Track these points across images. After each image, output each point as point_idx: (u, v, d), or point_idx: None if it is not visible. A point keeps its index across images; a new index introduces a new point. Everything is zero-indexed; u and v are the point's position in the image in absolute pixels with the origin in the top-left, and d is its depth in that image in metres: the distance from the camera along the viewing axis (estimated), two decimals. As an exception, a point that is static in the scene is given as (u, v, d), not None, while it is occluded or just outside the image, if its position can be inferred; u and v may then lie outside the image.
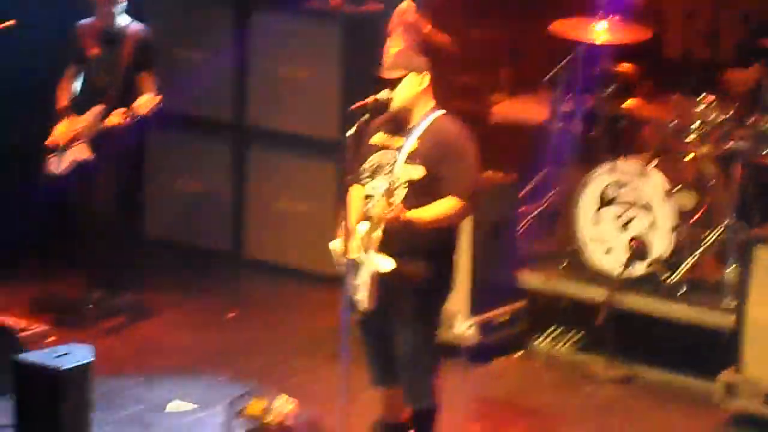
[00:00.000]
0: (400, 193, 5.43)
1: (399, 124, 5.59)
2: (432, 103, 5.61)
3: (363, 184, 5.57)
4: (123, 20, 7.65)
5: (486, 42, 9.37)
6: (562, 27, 7.76)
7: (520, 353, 7.41)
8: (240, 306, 7.92)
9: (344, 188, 5.62)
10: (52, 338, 6.88)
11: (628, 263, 7.22)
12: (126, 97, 7.49)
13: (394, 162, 5.51)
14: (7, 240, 7.96)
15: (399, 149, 5.52)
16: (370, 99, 5.54)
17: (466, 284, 7.16)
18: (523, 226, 7.93)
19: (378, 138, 5.61)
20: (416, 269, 5.50)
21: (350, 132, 5.49)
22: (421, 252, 5.50)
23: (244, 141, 8.56)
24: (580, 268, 7.48)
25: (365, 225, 5.49)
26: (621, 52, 7.98)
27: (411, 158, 5.46)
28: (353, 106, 5.59)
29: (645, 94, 7.97)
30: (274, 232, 8.48)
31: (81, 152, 7.59)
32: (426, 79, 5.58)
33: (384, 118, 5.60)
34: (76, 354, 5.77)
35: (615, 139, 7.87)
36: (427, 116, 5.57)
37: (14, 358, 5.85)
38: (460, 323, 7.20)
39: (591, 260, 7.44)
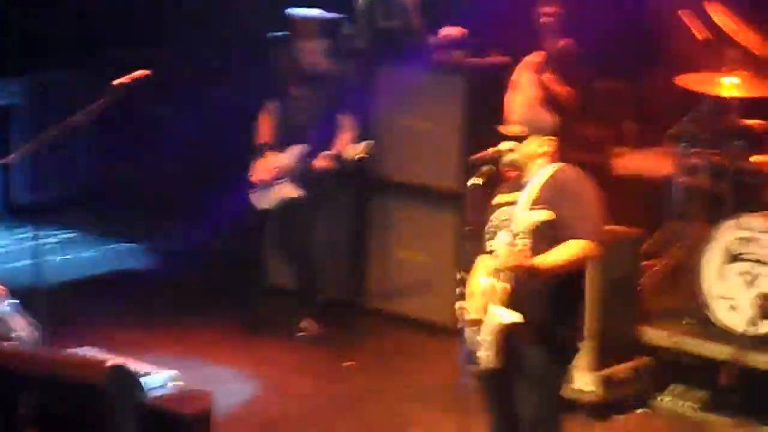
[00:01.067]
0: (524, 241, 5.37)
1: (517, 181, 5.56)
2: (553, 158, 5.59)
3: (487, 246, 5.53)
4: (324, 61, 7.85)
5: (610, 94, 9.31)
6: (689, 80, 7.67)
7: (642, 411, 7.28)
8: (359, 355, 7.94)
9: (462, 239, 5.62)
10: (178, 382, 6.97)
11: (754, 321, 7.07)
12: (325, 137, 7.68)
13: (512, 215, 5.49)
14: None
15: (516, 204, 5.50)
16: (491, 150, 5.54)
17: (589, 339, 7.08)
18: (646, 280, 7.83)
19: (498, 198, 5.59)
20: (542, 323, 5.44)
21: (472, 182, 5.49)
22: (547, 304, 5.43)
23: (366, 190, 8.61)
24: (705, 324, 7.34)
25: (487, 279, 5.45)
26: (749, 107, 7.86)
27: (533, 205, 5.43)
28: (474, 157, 5.60)
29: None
30: (393, 282, 8.49)
31: (289, 190, 7.77)
32: (552, 143, 5.55)
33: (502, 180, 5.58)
34: (198, 399, 5.82)
35: (741, 194, 7.74)
36: (546, 167, 5.54)
37: (137, 403, 5.93)
38: (582, 378, 7.11)
39: (716, 317, 7.30)
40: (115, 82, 6.62)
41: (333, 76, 8.02)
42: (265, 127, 8.10)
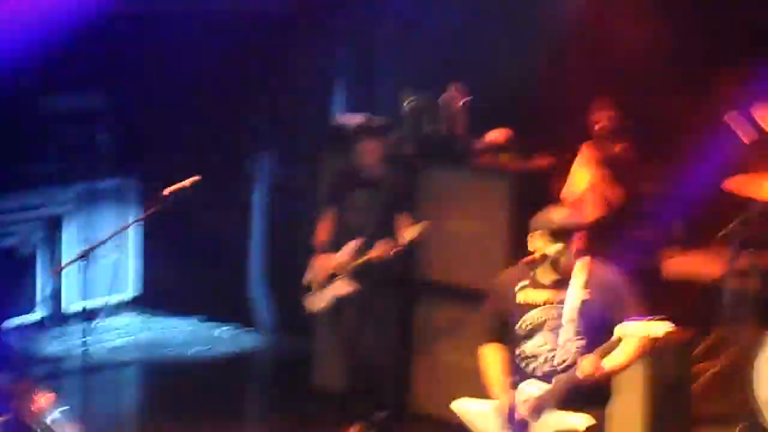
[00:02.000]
0: (580, 342, 5.35)
1: (537, 279, 5.53)
2: None
3: (518, 344, 5.50)
4: (381, 164, 8.04)
5: (660, 195, 9.28)
6: (737, 183, 7.63)
7: None
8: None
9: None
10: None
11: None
12: (381, 237, 7.87)
13: (559, 317, 5.45)
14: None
15: (558, 303, 5.46)
16: (539, 254, 5.53)
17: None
18: (698, 385, 7.72)
19: (525, 296, 5.55)
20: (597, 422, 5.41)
21: (514, 288, 5.49)
22: (593, 400, 5.44)
23: (413, 294, 8.59)
24: (757, 430, 7.21)
25: (529, 386, 5.42)
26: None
27: (587, 308, 5.38)
28: (524, 260, 5.60)
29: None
30: (442, 386, 8.42)
31: (341, 288, 7.86)
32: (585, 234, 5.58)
33: (520, 274, 5.55)
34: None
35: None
36: (581, 265, 5.51)
37: None
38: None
39: (769, 424, 7.17)
40: (166, 190, 6.70)
41: (390, 179, 8.08)
42: (323, 230, 8.17)
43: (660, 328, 5.28)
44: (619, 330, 5.28)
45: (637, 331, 5.25)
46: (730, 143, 8.14)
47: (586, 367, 5.30)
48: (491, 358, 5.64)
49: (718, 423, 7.49)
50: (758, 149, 7.91)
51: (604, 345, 5.34)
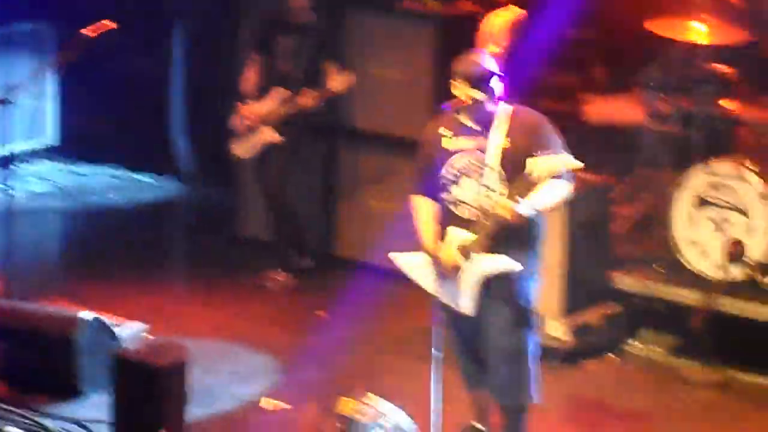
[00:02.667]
0: (502, 186, 5.41)
1: (463, 125, 5.57)
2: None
3: (447, 191, 5.56)
4: (308, 10, 8.00)
5: (579, 41, 9.29)
6: (658, 25, 7.66)
7: (613, 356, 7.34)
8: (331, 305, 7.95)
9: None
10: (148, 335, 6.98)
11: (724, 266, 7.12)
12: (308, 84, 7.85)
13: (483, 163, 5.50)
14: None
15: (480, 150, 5.51)
16: (467, 98, 5.53)
17: (559, 285, 7.13)
18: (616, 226, 7.87)
19: (451, 143, 5.59)
20: (519, 261, 5.52)
21: (439, 136, 5.52)
22: (523, 243, 5.55)
23: (337, 140, 8.59)
24: (675, 270, 7.40)
25: (460, 231, 5.50)
26: (718, 53, 7.87)
27: (507, 153, 5.45)
28: (449, 106, 5.60)
29: (742, 95, 7.86)
30: (365, 231, 8.50)
31: (269, 135, 7.81)
32: (502, 84, 5.62)
33: (445, 121, 5.59)
34: (172, 350, 5.84)
35: (711, 140, 7.77)
36: (503, 112, 5.55)
37: (112, 353, 5.94)
38: (553, 325, 7.15)
39: (687, 263, 7.35)
40: (82, 32, 6.57)
41: (316, 25, 8.00)
42: (249, 78, 8.11)
43: (568, 159, 5.34)
44: (529, 165, 5.32)
45: (546, 164, 5.29)
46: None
47: (502, 206, 5.36)
48: (422, 207, 5.70)
49: (637, 263, 7.65)
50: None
51: (516, 182, 5.37)
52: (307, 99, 7.86)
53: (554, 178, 5.43)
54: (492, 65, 5.59)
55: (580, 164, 5.34)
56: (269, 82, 8.06)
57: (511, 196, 5.37)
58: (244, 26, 8.57)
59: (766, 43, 8.57)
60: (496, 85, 5.56)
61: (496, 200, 5.40)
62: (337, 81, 7.82)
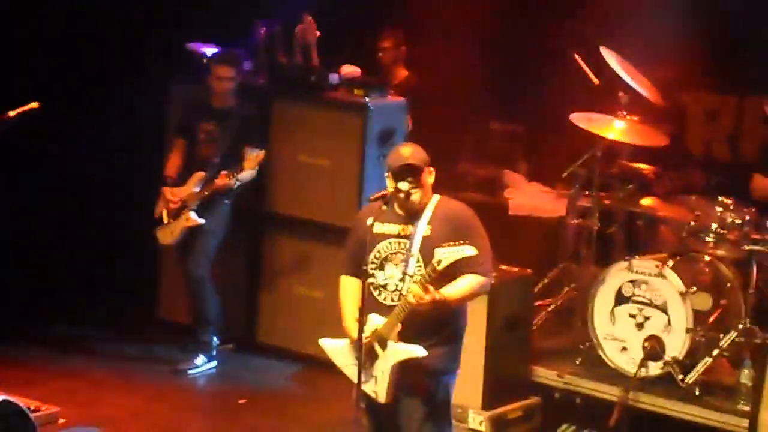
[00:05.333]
0: (425, 274, 5.45)
1: (394, 212, 5.62)
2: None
3: (371, 275, 5.59)
4: (232, 96, 8.06)
5: (505, 135, 9.43)
6: (582, 119, 7.77)
7: (532, 450, 7.35)
8: (252, 392, 7.89)
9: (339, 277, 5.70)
10: (62, 420, 6.86)
11: (643, 363, 7.19)
12: (227, 167, 7.90)
13: (407, 250, 5.54)
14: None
15: (406, 237, 5.56)
16: (391, 189, 5.59)
17: (479, 378, 7.14)
18: (538, 320, 7.92)
19: (380, 228, 5.64)
20: (439, 355, 5.53)
21: (363, 220, 5.58)
22: (441, 338, 5.56)
23: (261, 226, 8.58)
24: (595, 365, 7.45)
25: (378, 317, 5.52)
26: (638, 151, 8.03)
27: (428, 242, 5.49)
28: (373, 196, 5.67)
29: (663, 193, 8.00)
30: (288, 318, 8.47)
31: (190, 220, 7.95)
32: (432, 173, 5.68)
33: (376, 208, 5.65)
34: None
35: (632, 237, 7.89)
36: (429, 202, 5.62)
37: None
38: (473, 418, 7.15)
39: (606, 358, 7.41)
40: (7, 113, 6.52)
41: (238, 111, 8.05)
42: (172, 162, 8.11)
43: (469, 250, 5.40)
44: (436, 254, 5.38)
45: (446, 254, 5.36)
46: (577, 82, 8.31)
47: (412, 292, 5.39)
48: (346, 290, 5.72)
49: (558, 357, 7.70)
50: (603, 90, 8.09)
51: (425, 271, 5.43)
52: (223, 179, 7.87)
53: (472, 272, 5.48)
54: (421, 158, 5.65)
55: (474, 252, 5.39)
56: (190, 166, 8.07)
57: (421, 284, 5.40)
58: (171, 110, 8.58)
59: (686, 140, 8.80)
60: (426, 176, 5.62)
61: (407, 286, 5.43)
62: (250, 160, 7.85)
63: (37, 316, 8.73)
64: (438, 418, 5.63)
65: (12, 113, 6.60)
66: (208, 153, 8.04)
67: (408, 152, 5.66)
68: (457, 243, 5.40)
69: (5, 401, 6.32)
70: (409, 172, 5.58)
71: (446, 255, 5.36)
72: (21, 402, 6.57)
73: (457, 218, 5.62)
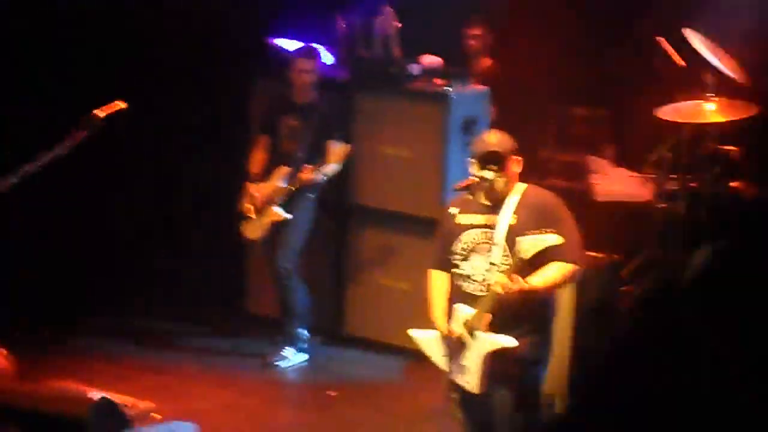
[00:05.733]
0: (509, 263, 5.44)
1: (478, 202, 5.61)
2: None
3: (457, 266, 5.59)
4: (314, 91, 8.08)
5: (589, 120, 9.35)
6: (668, 112, 7.68)
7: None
8: (341, 384, 7.93)
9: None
10: (158, 416, 6.94)
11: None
12: (310, 162, 7.95)
13: (491, 240, 5.52)
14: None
15: (491, 226, 5.54)
16: (476, 179, 5.58)
17: (567, 365, 7.10)
18: (625, 306, 7.85)
19: (465, 218, 5.63)
20: (528, 344, 5.53)
21: (448, 211, 5.58)
22: (530, 327, 5.56)
23: (347, 219, 8.62)
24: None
25: (466, 308, 5.52)
26: (728, 134, 7.92)
27: (514, 231, 5.47)
28: (458, 186, 5.66)
29: (748, 174, 7.88)
30: (374, 309, 8.50)
31: (276, 215, 7.95)
32: (520, 163, 5.65)
33: (461, 199, 5.64)
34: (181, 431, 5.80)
35: (719, 220, 7.78)
36: (515, 191, 5.60)
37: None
38: (562, 405, 7.11)
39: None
40: (94, 113, 6.55)
41: (320, 105, 8.09)
42: (256, 159, 8.18)
43: (551, 237, 5.37)
44: (517, 243, 5.37)
45: (530, 242, 5.34)
46: (661, 65, 8.22)
47: (499, 282, 5.38)
48: (435, 283, 5.73)
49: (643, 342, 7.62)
50: (689, 73, 7.99)
51: (512, 260, 5.41)
52: (308, 173, 7.91)
53: (560, 260, 5.46)
54: (507, 145, 5.63)
55: (558, 240, 5.36)
56: (274, 161, 8.12)
57: (507, 273, 5.39)
58: (252, 108, 8.64)
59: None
60: (511, 164, 5.60)
61: (493, 276, 5.42)
62: (335, 154, 7.88)
63: (130, 312, 8.89)
64: (528, 408, 5.62)
65: (100, 114, 6.61)
66: (292, 148, 8.09)
67: (494, 139, 5.65)
68: (541, 231, 5.38)
69: (103, 399, 6.42)
70: (493, 159, 5.57)
71: (529, 244, 5.34)
72: (116, 398, 6.68)
73: (543, 206, 5.59)
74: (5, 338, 6.47)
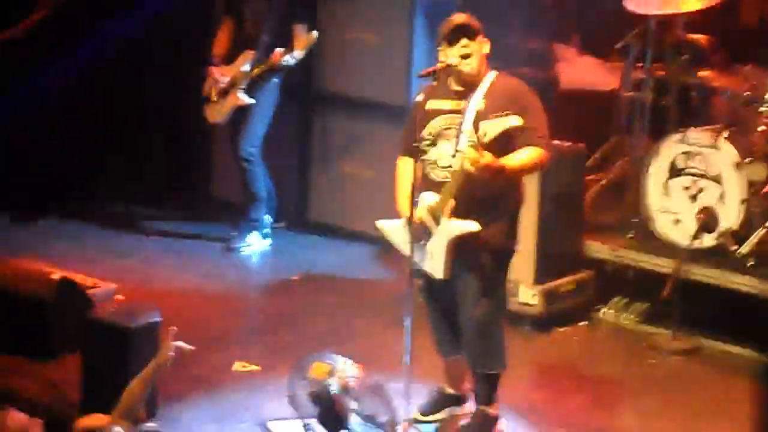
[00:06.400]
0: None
1: (448, 89, 5.56)
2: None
3: (425, 151, 5.56)
4: None
5: (556, 7, 9.27)
6: (636, 2, 7.61)
7: (584, 323, 7.37)
8: (304, 269, 7.95)
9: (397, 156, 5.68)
10: (121, 297, 6.96)
11: (696, 235, 7.15)
12: (277, 46, 7.85)
13: (460, 124, 5.49)
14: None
15: (460, 112, 5.50)
16: (441, 65, 5.53)
17: (532, 253, 7.14)
18: (590, 195, 7.88)
19: (434, 104, 5.58)
20: (494, 231, 5.52)
21: (417, 98, 5.53)
22: (496, 214, 5.54)
23: (311, 105, 8.56)
24: (647, 238, 7.42)
25: (431, 195, 5.50)
26: (694, 21, 7.87)
27: (481, 117, 5.43)
28: (422, 72, 5.60)
29: (718, 64, 7.86)
30: (339, 197, 8.49)
31: (239, 99, 7.91)
32: (487, 43, 5.58)
33: (429, 86, 5.59)
34: (144, 312, 5.82)
35: (686, 109, 7.78)
36: (485, 76, 5.55)
37: (84, 316, 5.92)
38: (525, 292, 7.17)
39: (659, 231, 7.38)
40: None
41: None
42: (220, 41, 8.08)
43: (513, 119, 5.33)
44: (481, 127, 5.32)
45: (492, 125, 5.30)
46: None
47: (468, 157, 5.30)
48: (402, 170, 5.69)
49: (610, 231, 7.68)
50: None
51: (473, 140, 5.33)
52: (274, 57, 7.83)
53: (530, 144, 5.44)
54: (474, 23, 5.56)
55: (519, 122, 5.32)
56: (239, 45, 8.02)
57: (476, 147, 5.32)
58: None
59: (744, 8, 8.60)
60: (481, 44, 5.54)
61: (466, 156, 5.35)
62: (301, 41, 7.80)
63: (93, 195, 8.85)
64: (493, 295, 5.64)
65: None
66: (257, 32, 7.99)
67: (461, 17, 5.59)
68: (502, 114, 5.34)
69: (63, 278, 6.42)
70: (463, 31, 5.50)
71: (491, 125, 5.30)
72: (78, 278, 6.69)
73: (513, 93, 5.54)
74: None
